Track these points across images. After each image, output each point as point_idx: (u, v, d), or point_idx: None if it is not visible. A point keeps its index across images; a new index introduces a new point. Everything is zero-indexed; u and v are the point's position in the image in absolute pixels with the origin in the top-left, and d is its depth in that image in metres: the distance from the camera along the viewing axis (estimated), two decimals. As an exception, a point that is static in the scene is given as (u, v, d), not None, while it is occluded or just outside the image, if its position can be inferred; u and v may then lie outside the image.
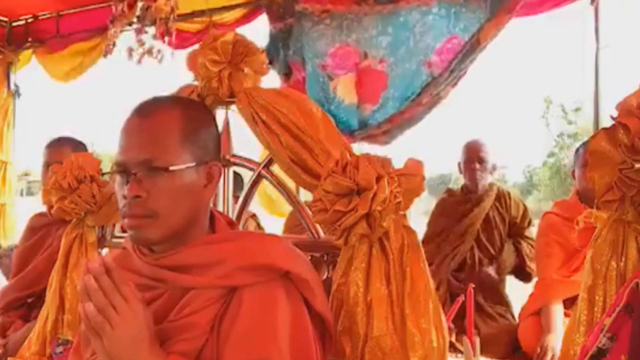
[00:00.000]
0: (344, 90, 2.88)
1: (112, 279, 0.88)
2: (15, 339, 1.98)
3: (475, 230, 2.68)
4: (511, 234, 2.72)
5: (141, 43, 3.03)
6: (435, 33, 2.69)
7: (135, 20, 3.00)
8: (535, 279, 2.51)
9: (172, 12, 2.88)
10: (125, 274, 1.06)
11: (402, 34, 2.74)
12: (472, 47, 2.59)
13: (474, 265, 2.65)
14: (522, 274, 2.69)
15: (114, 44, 3.15)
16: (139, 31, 2.99)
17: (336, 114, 2.87)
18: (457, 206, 2.77)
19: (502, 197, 2.75)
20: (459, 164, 2.78)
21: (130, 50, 3.07)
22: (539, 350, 2.12)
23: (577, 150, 2.32)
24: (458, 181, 2.89)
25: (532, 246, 2.63)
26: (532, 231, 2.69)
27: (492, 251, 2.68)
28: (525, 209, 2.77)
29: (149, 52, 3.02)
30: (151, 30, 3.02)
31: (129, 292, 0.89)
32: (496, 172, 2.80)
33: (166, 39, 2.98)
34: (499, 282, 2.65)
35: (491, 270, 2.63)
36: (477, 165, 2.68)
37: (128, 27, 3.11)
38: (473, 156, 2.70)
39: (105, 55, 3.25)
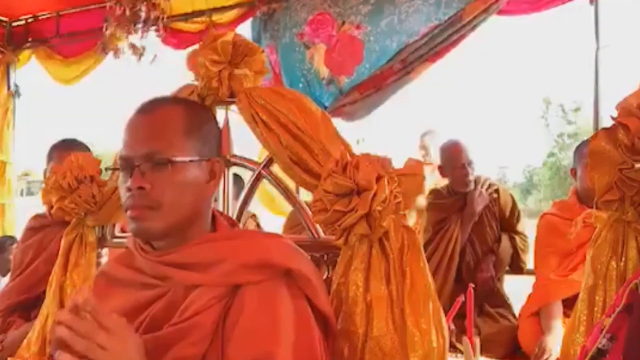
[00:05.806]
0: (320, 60, 2.76)
1: (92, 315, 0.82)
2: (13, 338, 1.97)
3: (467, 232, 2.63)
4: (502, 229, 2.68)
5: (135, 48, 3.08)
6: (423, 17, 2.61)
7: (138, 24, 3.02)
8: (529, 277, 2.50)
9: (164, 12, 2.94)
10: (127, 272, 1.08)
11: (386, 8, 2.65)
12: (453, 22, 2.53)
13: (469, 266, 2.61)
14: (515, 268, 2.67)
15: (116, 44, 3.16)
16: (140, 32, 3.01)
17: (310, 86, 2.76)
18: (447, 207, 2.72)
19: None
20: (440, 167, 2.73)
21: (133, 47, 3.10)
22: (536, 350, 2.12)
23: (579, 147, 2.29)
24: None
25: (524, 240, 2.64)
26: (523, 225, 2.69)
27: (488, 244, 2.64)
28: (514, 203, 2.72)
29: (136, 51, 3.06)
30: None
31: (112, 323, 0.84)
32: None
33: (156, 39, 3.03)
34: (495, 280, 2.60)
35: (488, 266, 2.58)
36: (469, 169, 2.62)
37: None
38: (461, 160, 2.64)
39: (104, 50, 3.26)
